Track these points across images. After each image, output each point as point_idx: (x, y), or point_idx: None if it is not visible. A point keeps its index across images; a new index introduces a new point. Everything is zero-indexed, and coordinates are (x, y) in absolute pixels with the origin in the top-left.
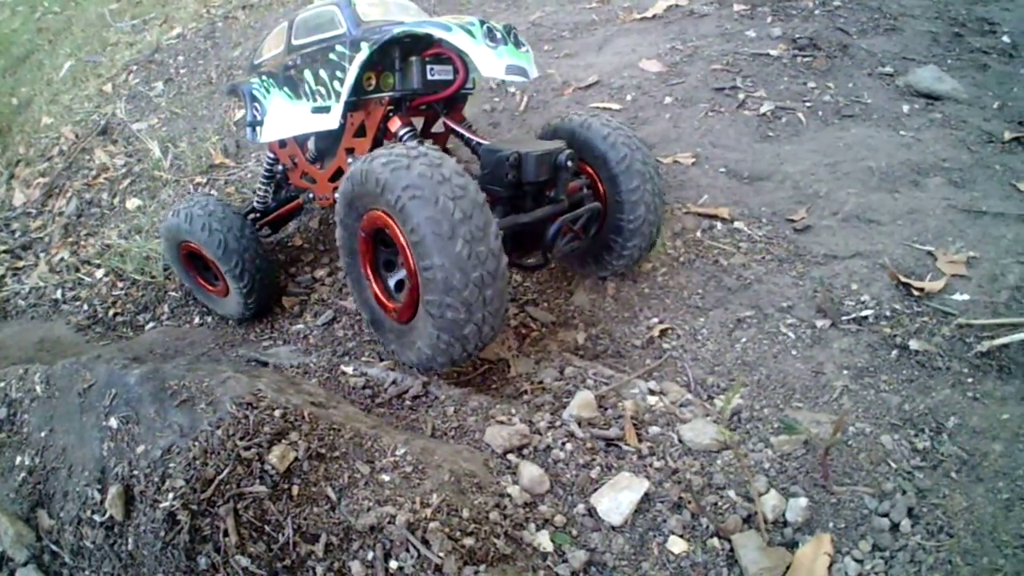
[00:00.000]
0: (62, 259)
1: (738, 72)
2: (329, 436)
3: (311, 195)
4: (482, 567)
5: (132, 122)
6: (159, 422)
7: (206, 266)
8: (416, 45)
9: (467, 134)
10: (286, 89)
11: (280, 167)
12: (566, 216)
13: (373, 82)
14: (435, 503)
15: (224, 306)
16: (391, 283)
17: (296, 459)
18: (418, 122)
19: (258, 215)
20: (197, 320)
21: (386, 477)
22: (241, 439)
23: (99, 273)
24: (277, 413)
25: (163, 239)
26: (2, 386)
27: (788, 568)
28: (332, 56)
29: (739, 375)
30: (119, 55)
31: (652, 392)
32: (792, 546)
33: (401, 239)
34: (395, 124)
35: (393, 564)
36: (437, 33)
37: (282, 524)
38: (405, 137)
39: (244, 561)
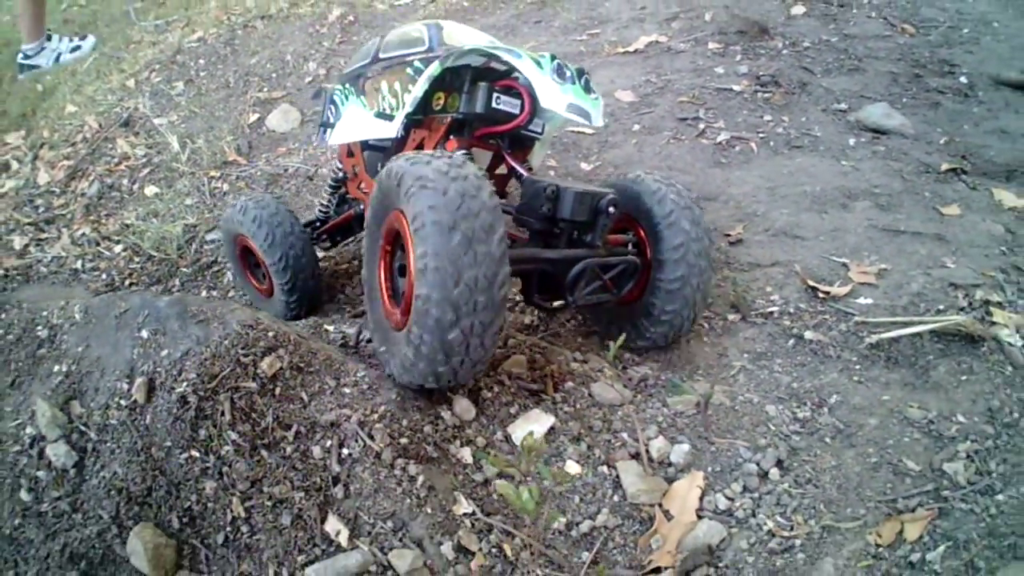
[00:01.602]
0: (83, 234)
1: (702, 104)
2: (308, 356)
3: (362, 206)
4: (412, 462)
5: (154, 117)
6: (181, 334)
7: (257, 263)
8: (489, 75)
9: (526, 175)
10: (363, 98)
11: (343, 175)
12: (593, 260)
13: (442, 102)
14: (382, 411)
15: (269, 306)
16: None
17: (281, 368)
18: (484, 158)
19: (318, 225)
20: (204, 293)
21: (347, 390)
22: (241, 349)
23: (117, 248)
24: (271, 334)
25: (222, 231)
26: (45, 314)
27: (665, 494)
28: (409, 70)
29: (652, 352)
30: (142, 53)
31: (576, 360)
32: (671, 481)
33: (407, 233)
34: (452, 145)
35: (345, 451)
36: (505, 56)
37: (265, 413)
38: None
39: (234, 435)
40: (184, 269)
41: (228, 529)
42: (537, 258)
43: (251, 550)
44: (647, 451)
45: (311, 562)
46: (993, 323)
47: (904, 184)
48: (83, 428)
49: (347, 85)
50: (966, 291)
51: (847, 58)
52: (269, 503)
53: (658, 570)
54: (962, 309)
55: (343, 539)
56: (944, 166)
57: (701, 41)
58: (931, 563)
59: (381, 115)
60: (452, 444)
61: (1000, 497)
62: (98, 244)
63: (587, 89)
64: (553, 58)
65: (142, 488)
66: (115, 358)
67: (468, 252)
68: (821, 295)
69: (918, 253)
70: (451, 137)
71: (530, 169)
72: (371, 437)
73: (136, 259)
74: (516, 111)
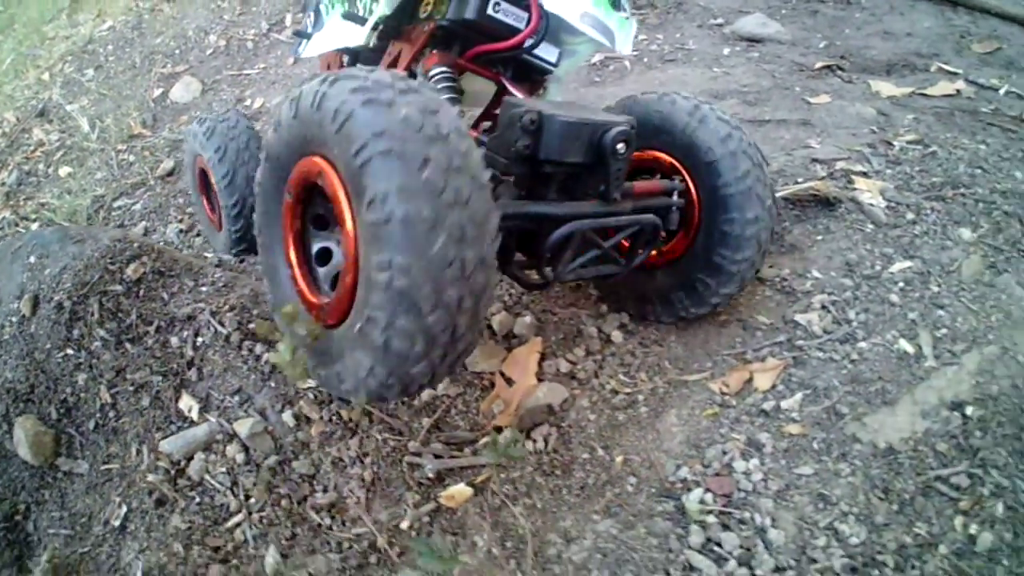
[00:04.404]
0: (3, 218)
1: None
2: (170, 263)
3: None
4: (259, 344)
5: (66, 104)
6: (61, 253)
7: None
8: None
9: (506, 98)
10: (346, 5)
11: None
12: (583, 222)
13: (429, 7)
14: (233, 302)
15: (215, 240)
16: (320, 269)
17: (144, 273)
18: (487, 91)
19: None
20: None
21: (204, 288)
22: (109, 259)
23: (34, 226)
24: (136, 245)
25: (184, 154)
26: None
27: (504, 361)
28: None
29: None
30: (56, 48)
31: None
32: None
33: (346, 211)
34: (431, 60)
35: (199, 339)
36: None
37: (129, 312)
38: (439, 78)
39: (102, 332)
40: None
41: (98, 416)
42: (523, 214)
43: (117, 433)
44: (488, 325)
45: (167, 438)
46: (854, 189)
47: (774, 82)
48: None
49: None
50: (827, 164)
51: None
52: (131, 388)
53: (499, 430)
54: (821, 179)
55: (194, 414)
56: (819, 64)
57: None
58: (788, 410)
59: (351, 16)
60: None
61: (863, 345)
62: (17, 225)
63: (616, 4)
64: None
65: (26, 386)
66: (10, 285)
67: (455, 263)
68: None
69: (782, 138)
70: (433, 51)
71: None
72: (222, 324)
73: None
74: (520, 25)
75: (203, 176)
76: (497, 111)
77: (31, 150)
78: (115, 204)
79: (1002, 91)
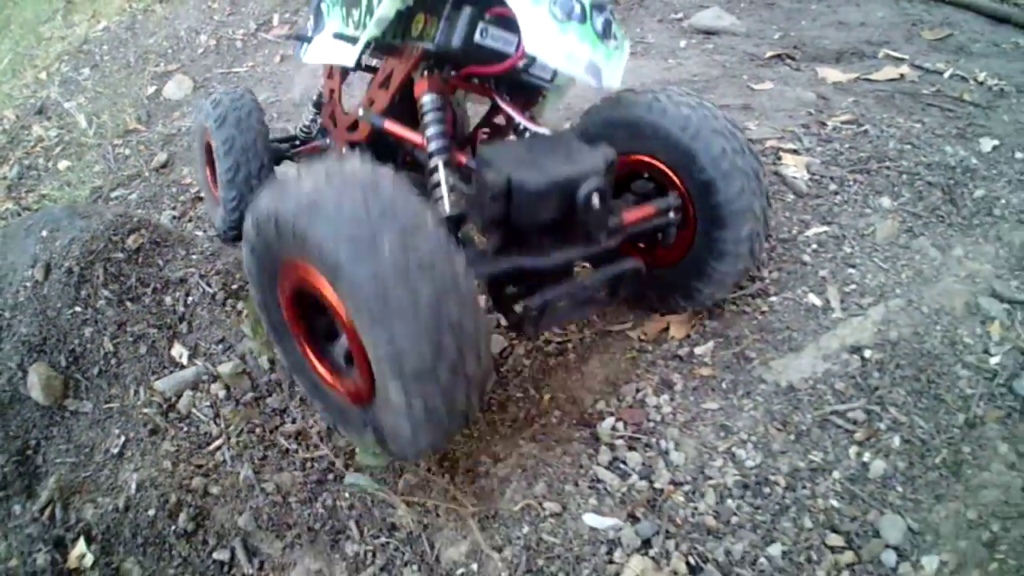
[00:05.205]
0: (7, 209)
1: None
2: (165, 235)
3: (328, 140)
4: (240, 301)
5: (64, 101)
6: (69, 226)
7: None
8: None
9: (525, 123)
10: (344, 8)
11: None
12: (558, 290)
13: (421, 26)
14: (219, 268)
15: (212, 212)
16: (338, 355)
17: (143, 243)
18: (481, 105)
19: (297, 143)
20: None
21: (195, 256)
22: (113, 231)
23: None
24: (135, 220)
25: (193, 129)
26: None
27: None
28: None
29: None
30: (52, 48)
31: None
32: None
33: (319, 282)
34: (420, 87)
35: (190, 298)
36: None
37: (130, 276)
38: (429, 108)
39: (106, 292)
40: None
41: (101, 363)
42: (500, 272)
43: (118, 377)
44: None
45: (160, 379)
46: (780, 164)
47: (723, 71)
48: (1, 312)
49: None
50: (759, 143)
51: None
52: (131, 339)
53: None
54: None
55: (184, 360)
56: (769, 54)
57: None
58: (700, 355)
59: (341, 36)
60: None
61: (773, 299)
62: (19, 215)
63: (604, 33)
64: None
65: (39, 339)
66: (23, 256)
67: (407, 266)
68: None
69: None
70: (423, 75)
71: (532, 119)
72: (209, 285)
73: None
74: (509, 49)
75: (208, 150)
76: (496, 119)
77: (31, 146)
78: (112, 195)
79: (947, 74)
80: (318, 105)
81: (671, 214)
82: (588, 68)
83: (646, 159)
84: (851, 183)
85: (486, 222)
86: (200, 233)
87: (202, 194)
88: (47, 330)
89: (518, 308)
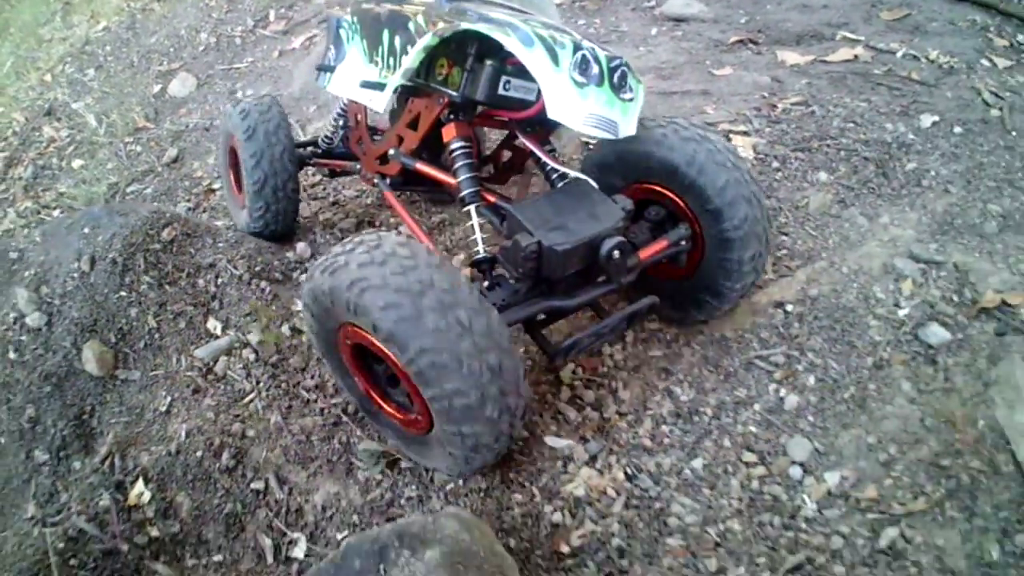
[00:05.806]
0: (26, 207)
1: None
2: (195, 227)
3: (358, 166)
4: (264, 281)
5: (72, 102)
6: (109, 223)
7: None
8: (502, 49)
9: (544, 158)
10: (365, 42)
11: (344, 116)
12: (585, 335)
13: (445, 71)
14: (243, 253)
15: (235, 212)
16: (398, 397)
17: (176, 235)
18: (498, 133)
19: (319, 152)
20: None
21: (221, 244)
22: (149, 226)
23: (55, 213)
24: (168, 215)
25: (219, 134)
26: (13, 243)
27: None
28: (410, 26)
29: None
30: (54, 50)
31: None
32: None
33: (374, 341)
34: (449, 133)
35: (220, 280)
36: (509, 45)
37: (166, 263)
38: (458, 152)
39: (147, 278)
40: None
41: (146, 337)
42: (530, 316)
43: (161, 348)
44: None
45: (198, 348)
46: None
47: (689, 58)
48: (49, 300)
49: (355, 19)
50: (714, 127)
51: None
52: (171, 316)
53: None
54: None
55: (218, 331)
56: (733, 39)
57: None
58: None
59: (368, 84)
60: (294, 272)
61: None
62: (39, 213)
63: (620, 86)
64: (576, 48)
65: (90, 320)
66: (67, 252)
67: (448, 329)
68: (592, 148)
69: (684, 107)
70: (451, 119)
71: (552, 151)
72: (235, 268)
73: None
74: (531, 97)
75: (233, 155)
76: (517, 141)
77: (43, 146)
78: (128, 190)
79: (899, 54)
80: (342, 115)
81: (683, 242)
82: (607, 126)
83: (658, 188)
84: (792, 160)
85: (520, 274)
86: (219, 223)
87: (222, 191)
88: (97, 312)
89: (550, 348)
